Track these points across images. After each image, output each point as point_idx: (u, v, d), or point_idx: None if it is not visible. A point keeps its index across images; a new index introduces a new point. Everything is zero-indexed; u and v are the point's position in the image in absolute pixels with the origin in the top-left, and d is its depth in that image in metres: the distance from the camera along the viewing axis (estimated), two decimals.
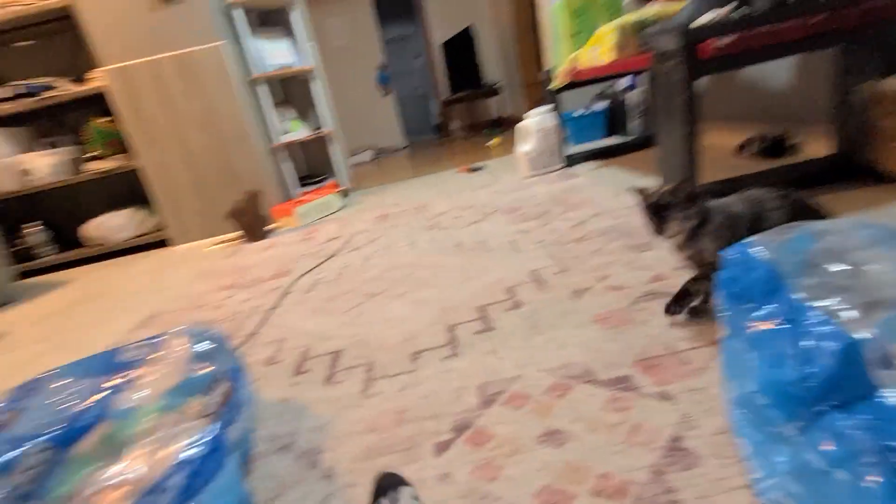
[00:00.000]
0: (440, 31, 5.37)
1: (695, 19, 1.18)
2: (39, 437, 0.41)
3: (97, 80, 2.21)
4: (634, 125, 2.35)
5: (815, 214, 0.67)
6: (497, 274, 1.06)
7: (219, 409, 0.55)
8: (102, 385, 0.52)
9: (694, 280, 0.70)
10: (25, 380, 0.63)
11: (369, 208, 2.21)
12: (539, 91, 4.38)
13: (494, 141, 3.66)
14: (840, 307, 0.40)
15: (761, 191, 0.68)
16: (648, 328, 0.72)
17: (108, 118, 2.24)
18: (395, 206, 2.08)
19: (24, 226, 2.38)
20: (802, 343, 0.38)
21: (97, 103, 2.32)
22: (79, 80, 2.36)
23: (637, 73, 2.11)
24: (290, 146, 2.68)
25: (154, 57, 2.07)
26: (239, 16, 2.24)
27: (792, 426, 0.36)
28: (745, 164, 1.51)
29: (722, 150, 1.73)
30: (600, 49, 1.54)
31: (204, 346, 0.65)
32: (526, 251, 1.17)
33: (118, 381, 0.54)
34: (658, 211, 0.69)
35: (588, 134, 2.62)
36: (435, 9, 5.29)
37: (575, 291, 0.89)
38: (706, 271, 0.67)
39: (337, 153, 2.71)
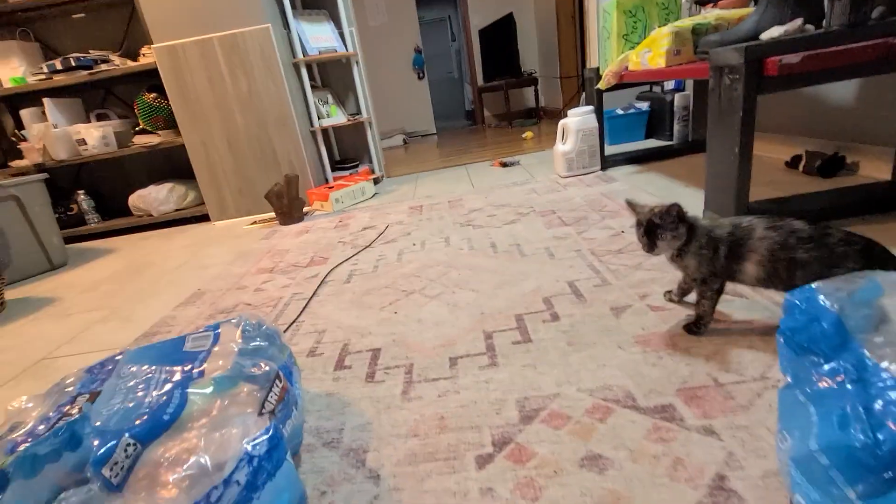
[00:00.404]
0: (478, 16, 5.28)
1: (759, 31, 1.13)
2: (126, 431, 0.45)
3: (148, 56, 2.26)
4: (677, 129, 2.29)
5: (813, 247, 0.66)
6: (534, 282, 1.07)
7: (277, 406, 0.58)
8: (174, 377, 0.56)
9: (698, 304, 0.76)
10: (93, 360, 0.67)
11: (402, 198, 2.22)
12: (575, 85, 4.29)
13: (528, 134, 3.61)
14: None
15: (757, 218, 0.72)
16: (690, 356, 0.71)
17: (156, 94, 2.30)
18: (428, 199, 2.09)
19: (74, 193, 2.49)
20: (872, 405, 0.38)
21: (146, 78, 2.39)
22: (130, 55, 2.42)
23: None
24: (326, 130, 2.71)
25: (204, 36, 2.10)
26: None
27: (856, 491, 0.36)
28: (796, 180, 1.45)
29: (769, 163, 1.68)
30: (652, 53, 1.49)
31: (260, 339, 0.68)
32: (563, 259, 1.17)
33: (188, 371, 0.57)
34: (650, 230, 0.76)
35: (627, 134, 2.56)
36: None
37: (614, 308, 0.89)
38: (701, 291, 0.75)
39: (373, 140, 2.72)
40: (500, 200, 1.84)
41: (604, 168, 2.04)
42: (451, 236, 1.50)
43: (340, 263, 1.42)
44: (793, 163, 1.55)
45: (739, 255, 0.70)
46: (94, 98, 2.58)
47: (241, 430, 0.54)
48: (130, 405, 0.53)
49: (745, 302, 0.83)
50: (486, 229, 1.51)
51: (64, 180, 2.65)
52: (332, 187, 2.26)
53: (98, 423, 0.47)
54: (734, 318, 0.79)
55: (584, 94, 2.93)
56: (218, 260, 1.71)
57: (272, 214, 2.30)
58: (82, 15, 2.44)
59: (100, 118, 2.46)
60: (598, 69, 1.95)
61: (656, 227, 0.76)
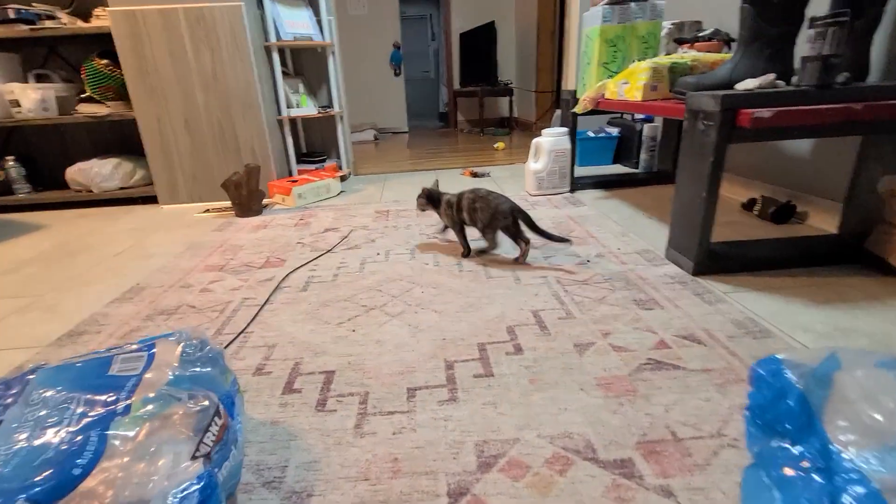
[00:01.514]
0: (460, 19, 5.25)
1: (733, 79, 1.16)
2: (23, 493, 0.37)
3: (102, 18, 2.07)
4: (644, 158, 2.35)
5: (483, 205, 1.29)
6: (498, 308, 1.04)
7: (213, 448, 0.52)
8: (94, 411, 0.48)
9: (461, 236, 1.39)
10: (5, 360, 0.58)
11: (369, 200, 2.15)
12: (549, 100, 4.35)
13: (500, 144, 3.62)
14: (876, 465, 0.39)
15: (466, 190, 1.34)
16: (650, 405, 0.71)
17: (108, 61, 2.11)
18: (396, 204, 2.04)
19: (2, 160, 2.24)
20: (838, 501, 0.37)
21: (98, 42, 2.19)
22: (81, 14, 2.21)
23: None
24: (295, 121, 2.60)
25: (169, 6, 1.94)
26: None
27: None
28: (751, 223, 1.52)
29: (727, 203, 1.75)
30: (630, 85, 1.52)
31: (200, 365, 0.62)
32: (528, 285, 1.15)
33: (112, 403, 0.50)
34: (430, 198, 1.42)
35: (596, 157, 2.61)
36: None
37: (577, 345, 0.88)
38: (455, 230, 1.39)
39: (343, 135, 2.63)
40: None
41: (572, 190, 2.06)
42: (417, 249, 1.46)
43: (298, 268, 1.35)
44: (748, 205, 1.62)
45: (459, 209, 1.33)
46: (35, 56, 2.34)
47: (169, 461, 0.47)
48: (35, 445, 0.45)
49: (703, 350, 0.84)
50: (452, 245, 1.48)
51: None
52: (296, 181, 2.16)
53: None
54: (691, 367, 0.80)
55: (557, 111, 2.97)
56: (164, 250, 1.59)
57: (228, 204, 2.16)
58: None
59: (39, 79, 2.23)
60: (574, 92, 1.97)
61: (433, 197, 1.42)
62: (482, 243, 1.35)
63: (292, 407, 0.75)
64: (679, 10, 2.12)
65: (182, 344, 0.64)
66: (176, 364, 0.60)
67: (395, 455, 0.64)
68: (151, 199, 2.27)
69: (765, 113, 0.97)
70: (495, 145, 3.65)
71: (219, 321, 1.06)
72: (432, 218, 1.77)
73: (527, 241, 1.28)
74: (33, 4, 2.10)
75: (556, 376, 0.79)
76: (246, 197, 1.94)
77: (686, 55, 1.50)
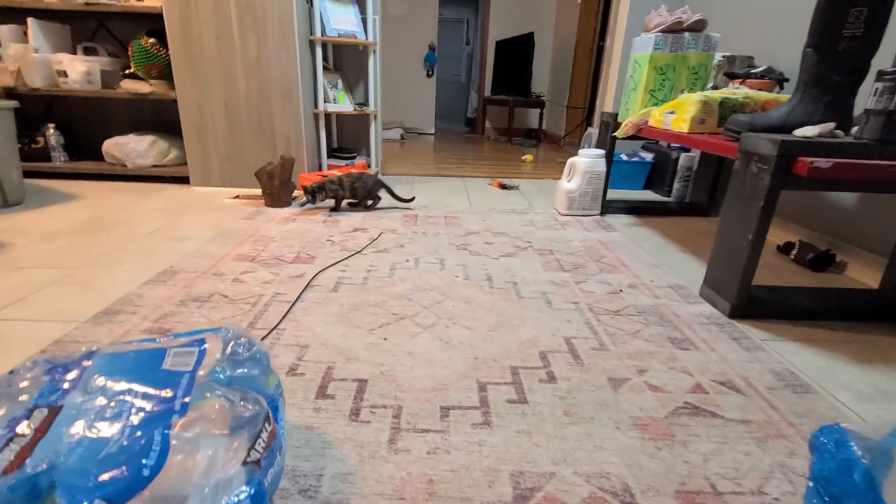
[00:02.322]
0: (498, 27, 5.26)
1: (788, 122, 1.15)
2: (97, 493, 0.38)
3: None
4: (677, 187, 2.33)
5: (361, 184, 1.95)
6: (531, 331, 1.04)
7: (263, 454, 0.53)
8: (152, 407, 0.49)
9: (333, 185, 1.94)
10: (46, 331, 0.59)
11: (397, 202, 2.16)
12: (580, 116, 4.34)
13: (528, 157, 3.61)
14: None
15: (352, 174, 1.96)
16: (689, 452, 0.70)
17: (155, 40, 2.15)
18: (424, 209, 2.04)
19: (43, 126, 2.29)
20: None
21: (147, 21, 2.23)
22: None
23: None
24: (330, 115, 2.62)
25: None
26: None
27: None
28: (787, 267, 1.50)
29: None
30: (677, 115, 1.50)
31: (248, 366, 0.62)
32: (560, 310, 1.15)
33: (170, 401, 0.51)
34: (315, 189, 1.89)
35: (627, 181, 2.60)
36: (499, 3, 5.17)
37: (612, 379, 0.87)
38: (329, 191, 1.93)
39: (375, 134, 2.64)
40: (498, 227, 1.81)
41: (602, 213, 2.05)
42: (447, 259, 1.46)
43: (328, 267, 1.36)
44: (785, 248, 1.60)
45: (345, 189, 1.91)
46: (85, 29, 2.39)
47: (222, 466, 0.48)
48: (97, 437, 0.46)
49: (741, 399, 0.83)
50: (482, 258, 1.48)
51: (33, 110, 2.44)
52: (326, 176, 2.17)
53: (61, 463, 0.40)
54: (730, 416, 0.79)
55: (590, 129, 2.95)
56: (195, 232, 1.61)
57: (258, 192, 2.18)
58: None
59: (87, 52, 2.27)
60: (615, 115, 1.96)
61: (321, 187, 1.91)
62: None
63: (326, 413, 0.76)
64: (732, 43, 2.11)
65: (231, 342, 0.65)
66: (225, 363, 0.61)
67: (430, 476, 0.64)
68: (182, 180, 2.31)
69: (823, 163, 0.96)
70: (523, 157, 3.65)
71: (251, 314, 1.07)
72: (461, 228, 1.77)
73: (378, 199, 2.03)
74: None
75: (591, 411, 0.79)
76: (277, 188, 1.95)
77: (738, 91, 1.48)
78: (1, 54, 2.18)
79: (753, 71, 1.64)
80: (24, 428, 0.47)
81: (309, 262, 1.39)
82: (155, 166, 2.32)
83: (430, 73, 5.37)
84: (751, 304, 1.14)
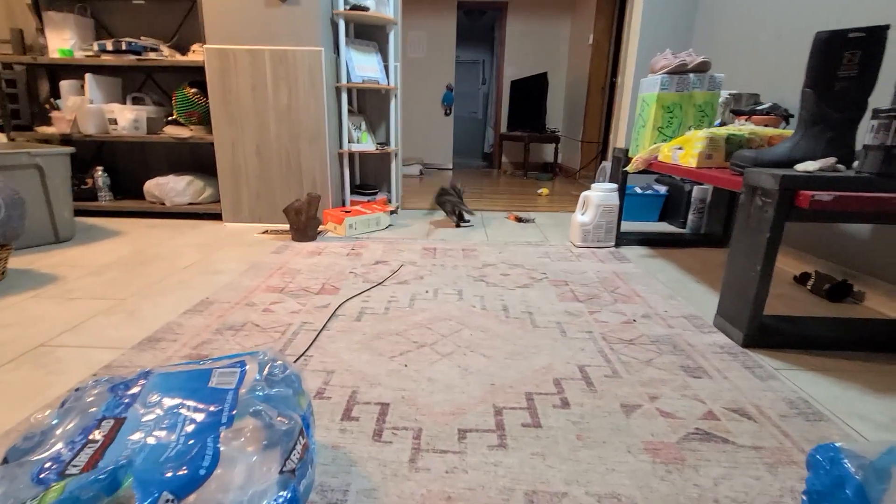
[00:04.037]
0: (513, 67, 5.48)
1: (792, 158, 1.20)
2: (166, 486, 0.44)
3: (197, 53, 2.32)
4: (692, 219, 2.36)
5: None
6: (545, 359, 1.08)
7: (297, 465, 0.58)
8: (201, 419, 0.56)
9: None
10: (96, 356, 0.67)
11: (416, 236, 2.25)
12: (594, 150, 4.43)
13: (544, 190, 3.70)
14: None
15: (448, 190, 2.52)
16: (699, 476, 0.72)
17: (196, 90, 2.35)
18: (443, 242, 2.12)
19: (93, 168, 2.49)
20: None
21: (190, 73, 2.44)
22: (179, 48, 2.49)
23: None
24: (353, 155, 2.77)
25: (257, 46, 2.17)
26: (342, 26, 2.34)
27: None
28: (804, 298, 1.50)
29: (779, 275, 1.73)
30: (685, 151, 1.57)
31: (283, 385, 0.69)
32: (574, 339, 1.18)
33: (217, 415, 0.57)
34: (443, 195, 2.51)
35: (642, 213, 2.64)
36: (513, 45, 5.41)
37: (624, 405, 0.90)
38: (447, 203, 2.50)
39: (396, 171, 2.77)
40: (514, 259, 1.87)
41: (617, 245, 2.09)
42: (465, 290, 1.52)
43: (352, 297, 1.43)
44: (801, 279, 1.61)
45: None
46: (134, 80, 2.63)
47: (263, 472, 0.53)
48: (158, 443, 0.52)
49: (753, 426, 0.85)
50: (498, 289, 1.53)
51: (84, 153, 2.66)
52: (349, 211, 2.29)
53: (134, 463, 0.46)
54: (741, 443, 0.80)
55: (604, 163, 3.03)
56: (229, 266, 1.71)
57: (286, 227, 2.31)
58: (143, 2, 2.52)
59: (135, 101, 2.49)
60: (626, 150, 2.03)
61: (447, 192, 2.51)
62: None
63: (351, 434, 0.81)
64: (737, 81, 2.19)
65: (268, 365, 0.71)
66: (263, 383, 0.68)
67: (448, 494, 0.68)
68: (216, 216, 2.45)
69: (825, 196, 1.00)
70: (539, 191, 3.73)
71: (281, 341, 1.14)
72: (478, 260, 1.83)
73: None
74: (141, 38, 2.38)
75: (603, 435, 0.82)
76: (304, 223, 2.07)
77: (743, 127, 1.54)
78: (60, 106, 2.41)
79: (759, 108, 1.70)
80: (95, 435, 0.54)
81: (334, 293, 1.47)
82: (191, 204, 2.48)
83: (448, 111, 5.59)
84: (764, 334, 1.16)
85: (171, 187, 2.44)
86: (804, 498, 0.51)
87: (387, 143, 2.77)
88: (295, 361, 1.04)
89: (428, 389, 0.95)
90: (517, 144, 5.44)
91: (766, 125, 1.62)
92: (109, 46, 2.28)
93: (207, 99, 2.27)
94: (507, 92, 5.52)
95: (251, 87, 2.22)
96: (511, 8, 5.28)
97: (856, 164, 1.13)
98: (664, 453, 0.77)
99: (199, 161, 2.67)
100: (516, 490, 0.69)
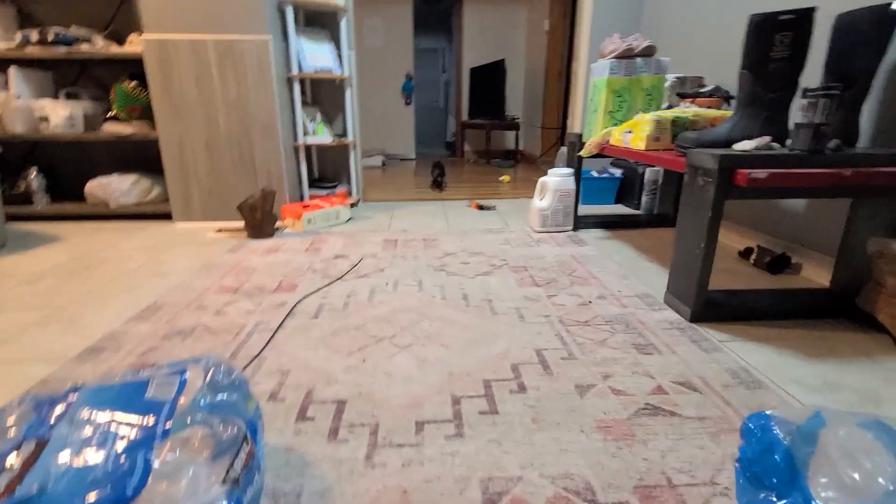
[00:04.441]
0: (471, 54, 5.44)
1: (731, 137, 1.24)
2: None
3: (135, 44, 2.18)
4: (645, 200, 2.43)
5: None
6: (503, 344, 1.09)
7: (241, 473, 0.56)
8: (135, 435, 0.52)
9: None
10: (30, 372, 0.62)
11: (377, 229, 2.22)
12: (554, 136, 4.48)
13: (505, 178, 3.71)
14: None
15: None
16: (648, 450, 0.75)
17: (136, 83, 2.21)
18: (403, 233, 2.10)
19: (25, 170, 2.32)
20: None
21: (129, 66, 2.30)
22: (116, 38, 2.33)
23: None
24: (309, 148, 2.69)
25: (200, 36, 2.05)
26: (290, 13, 2.24)
27: None
28: (747, 271, 1.57)
29: (725, 250, 1.81)
30: (634, 134, 1.60)
31: (227, 392, 0.66)
32: (532, 323, 1.20)
33: (152, 428, 0.54)
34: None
35: (599, 196, 2.69)
36: (472, 33, 5.37)
37: (579, 386, 0.92)
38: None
39: (355, 163, 2.71)
40: (475, 247, 1.87)
41: (575, 228, 2.12)
42: (425, 280, 1.51)
43: (310, 294, 1.39)
44: (745, 253, 1.68)
45: None
46: (68, 74, 2.44)
47: (202, 484, 0.51)
48: (85, 464, 0.49)
49: (698, 397, 0.88)
50: (459, 278, 1.53)
51: (13, 155, 2.47)
52: (307, 206, 2.23)
53: (51, 489, 0.43)
54: (687, 414, 0.83)
55: (563, 148, 3.07)
56: (178, 267, 1.64)
57: (240, 224, 2.22)
58: None
59: (69, 97, 2.32)
60: (580, 135, 2.06)
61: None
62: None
63: (306, 434, 0.79)
64: (683, 65, 2.24)
65: (211, 370, 0.68)
66: (206, 390, 0.65)
67: (404, 487, 0.68)
68: (165, 216, 2.34)
69: (760, 174, 1.04)
70: (500, 178, 3.75)
71: (234, 344, 1.10)
72: (439, 250, 1.83)
73: None
74: (72, 27, 2.21)
75: (558, 417, 0.83)
76: (259, 220, 2.00)
77: (688, 110, 1.58)
78: None
79: (702, 90, 1.75)
80: (13, 460, 0.50)
81: (291, 290, 1.43)
82: (137, 204, 2.35)
83: (409, 100, 5.51)
84: (710, 308, 1.21)
85: (116, 188, 2.30)
86: (737, 465, 0.53)
87: (344, 134, 2.70)
88: (248, 364, 1.01)
89: (386, 383, 0.93)
90: (479, 132, 5.44)
91: (709, 107, 1.67)
92: (35, 37, 2.10)
93: (148, 92, 2.14)
94: (468, 80, 5.49)
95: (195, 79, 2.11)
96: None
97: (789, 141, 1.18)
98: (615, 430, 0.79)
99: (145, 158, 2.53)
100: (472, 478, 0.69)
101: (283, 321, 1.21)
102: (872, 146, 1.30)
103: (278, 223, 2.22)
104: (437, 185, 3.06)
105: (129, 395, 0.61)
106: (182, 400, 0.62)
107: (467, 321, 1.21)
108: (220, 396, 0.65)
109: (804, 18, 1.14)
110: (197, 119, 2.15)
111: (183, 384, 0.65)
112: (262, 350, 1.07)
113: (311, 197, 2.51)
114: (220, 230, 2.15)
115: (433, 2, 6.61)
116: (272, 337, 1.13)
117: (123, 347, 1.08)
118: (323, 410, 0.85)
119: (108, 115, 2.32)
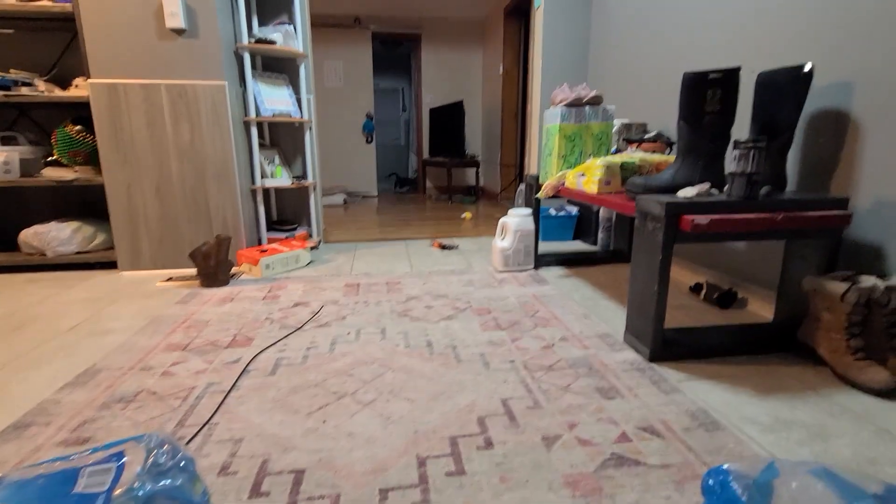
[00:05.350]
0: (430, 95, 5.62)
1: (675, 183, 1.32)
2: None
3: (81, 88, 2.11)
4: (601, 236, 2.52)
5: None
6: (469, 396, 1.07)
7: None
8: None
9: None
10: None
11: (339, 272, 2.18)
12: (513, 173, 4.64)
13: (467, 214, 3.78)
14: None
15: None
16: None
17: (81, 128, 2.12)
18: (366, 277, 2.07)
19: None
20: None
21: (73, 109, 2.21)
22: (59, 82, 2.25)
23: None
24: (268, 190, 2.65)
25: (151, 81, 2.01)
26: (246, 59, 2.25)
27: None
28: (698, 307, 1.65)
29: (677, 285, 1.89)
30: (587, 178, 1.67)
31: (170, 476, 0.61)
32: (497, 370, 1.19)
33: None
34: None
35: (558, 233, 2.77)
36: (430, 75, 5.56)
37: (545, 438, 0.91)
38: None
39: (315, 205, 2.69)
40: (438, 289, 1.86)
41: (536, 267, 2.17)
42: (388, 327, 1.48)
43: (266, 348, 1.33)
44: (695, 289, 1.76)
45: None
46: (5, 117, 2.32)
47: None
48: None
49: (661, 444, 0.89)
50: (423, 323, 1.51)
51: None
52: (265, 251, 2.17)
53: None
54: (651, 462, 0.84)
55: (522, 185, 3.17)
56: (122, 323, 1.53)
57: (193, 272, 2.13)
58: (11, 31, 2.25)
59: (5, 141, 2.20)
60: (537, 177, 2.13)
61: None
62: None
63: None
64: (627, 111, 2.40)
65: (154, 452, 0.63)
66: (146, 476, 0.59)
67: None
68: (110, 265, 2.21)
69: (703, 220, 1.11)
70: (462, 215, 3.81)
71: (181, 410, 1.02)
72: (402, 293, 1.81)
73: None
74: (11, 71, 2.12)
75: (525, 473, 0.82)
76: (213, 267, 1.92)
77: (635, 155, 1.68)
78: None
79: (647, 136, 1.87)
80: None
81: (246, 344, 1.36)
82: (79, 253, 2.21)
83: (370, 139, 5.58)
84: (666, 347, 1.25)
85: (54, 236, 2.16)
86: None
87: (304, 176, 2.69)
88: (196, 434, 0.94)
89: (347, 447, 0.89)
90: (440, 170, 5.55)
91: (653, 151, 1.78)
92: None
93: (94, 137, 2.06)
94: (427, 119, 5.64)
95: (146, 124, 2.05)
96: (425, 38, 5.44)
97: (725, 188, 1.27)
98: (583, 485, 0.79)
99: (87, 205, 2.41)
100: None
101: (236, 381, 1.15)
102: (799, 191, 1.41)
103: (234, 270, 2.14)
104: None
105: (56, 491, 0.55)
106: (118, 491, 0.56)
107: (432, 371, 1.19)
108: (162, 482, 0.60)
109: (730, 77, 1.25)
110: (147, 164, 2.08)
111: (120, 471, 0.59)
112: (212, 416, 1.00)
113: (270, 241, 2.45)
114: (169, 279, 2.04)
115: (392, 45, 6.84)
116: (224, 400, 1.06)
117: (54, 422, 0.98)
118: (279, 483, 0.80)
119: (48, 160, 2.20)
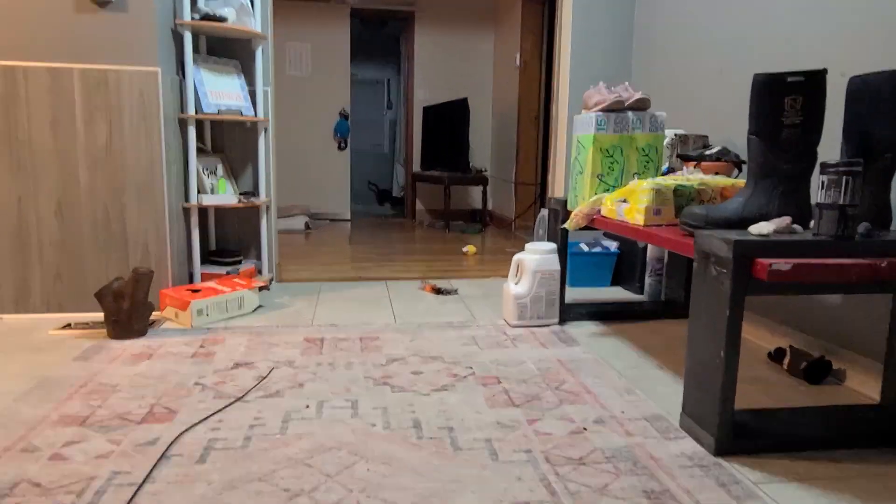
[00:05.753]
0: (425, 90, 5.78)
1: (745, 215, 1.36)
2: None
3: None
4: (649, 283, 2.55)
5: None
6: (470, 499, 1.06)
7: None
8: None
9: None
10: None
11: (296, 322, 2.19)
12: (532, 194, 4.72)
13: (470, 248, 3.82)
14: None
15: None
16: None
17: None
18: (333, 329, 2.08)
19: None
20: None
21: None
22: None
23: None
24: (206, 210, 2.69)
25: (62, 64, 2.08)
26: (188, 40, 2.33)
27: None
28: (781, 381, 1.65)
29: (751, 351, 1.90)
30: (630, 205, 1.71)
31: None
32: (508, 463, 1.18)
33: None
34: None
35: (592, 276, 2.81)
36: (426, 64, 5.74)
37: None
38: None
39: (267, 231, 2.72)
40: (431, 349, 1.87)
41: (562, 321, 2.18)
42: (361, 400, 1.48)
43: (195, 425, 1.32)
44: (776, 356, 1.78)
45: None
46: None
47: None
48: None
49: None
50: (408, 395, 1.51)
51: None
52: (199, 291, 2.18)
53: None
54: None
55: (543, 211, 3.23)
56: (0, 387, 1.52)
57: (100, 317, 2.13)
58: None
59: None
60: (565, 202, 2.18)
61: None
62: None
63: None
64: (683, 120, 2.48)
65: None
66: None
67: None
68: None
69: (783, 266, 1.13)
70: (464, 249, 3.85)
71: None
72: (381, 353, 1.81)
73: None
74: None
75: None
76: (126, 312, 1.92)
77: (692, 177, 1.73)
78: None
79: (708, 153, 1.93)
80: None
81: (167, 419, 1.35)
82: None
83: (343, 144, 5.70)
84: (739, 437, 1.24)
85: None
86: None
87: (254, 192, 2.73)
88: None
89: None
90: (435, 187, 5.63)
91: (716, 173, 1.84)
92: None
93: None
94: (420, 120, 5.78)
95: (51, 120, 2.10)
96: (419, 18, 5.66)
97: (812, 223, 1.30)
98: None
99: None
100: None
101: (151, 471, 1.13)
102: None
103: (154, 316, 2.14)
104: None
105: None
106: None
107: (420, 463, 1.18)
108: None
109: (815, 80, 1.31)
110: (48, 172, 2.12)
111: None
112: None
113: (205, 277, 2.46)
114: (67, 325, 2.04)
115: (376, 24, 7.11)
116: (133, 498, 1.04)
117: None
118: None
119: None
